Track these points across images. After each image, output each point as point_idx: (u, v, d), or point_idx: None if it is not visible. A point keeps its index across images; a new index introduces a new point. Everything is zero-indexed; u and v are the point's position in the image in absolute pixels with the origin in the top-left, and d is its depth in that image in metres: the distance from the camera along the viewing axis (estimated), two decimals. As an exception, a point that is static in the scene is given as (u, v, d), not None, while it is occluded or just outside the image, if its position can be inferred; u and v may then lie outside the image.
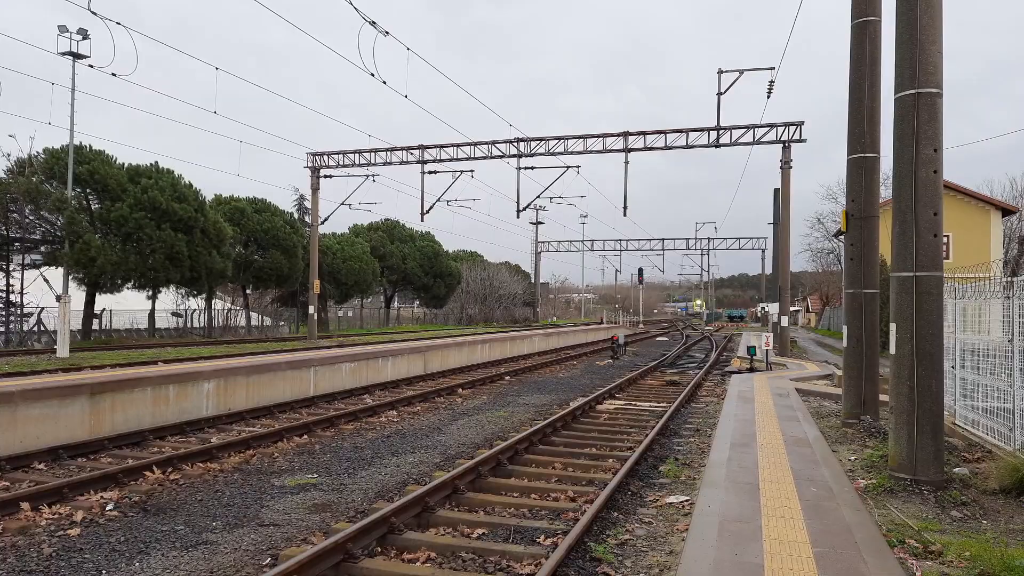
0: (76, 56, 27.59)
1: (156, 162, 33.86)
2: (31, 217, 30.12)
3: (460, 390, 17.62)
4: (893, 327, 8.07)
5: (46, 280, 31.93)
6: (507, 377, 21.11)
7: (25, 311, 31.23)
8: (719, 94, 27.68)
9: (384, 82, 22.06)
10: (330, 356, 17.10)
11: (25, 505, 7.09)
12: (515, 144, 32.02)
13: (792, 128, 28.74)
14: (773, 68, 27.00)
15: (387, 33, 19.85)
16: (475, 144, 32.63)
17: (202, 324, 39.80)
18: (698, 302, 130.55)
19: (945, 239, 33.41)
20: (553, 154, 31.77)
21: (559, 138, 31.46)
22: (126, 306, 36.50)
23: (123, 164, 32.71)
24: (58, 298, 22.79)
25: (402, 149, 33.88)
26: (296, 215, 49.68)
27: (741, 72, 27.21)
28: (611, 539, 6.33)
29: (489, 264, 77.40)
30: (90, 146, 31.73)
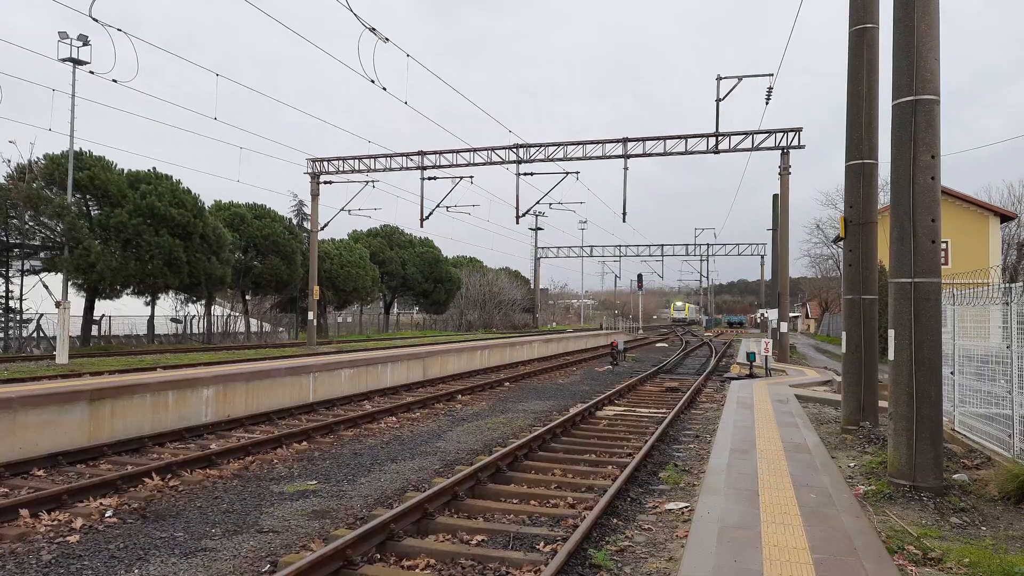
0: (76, 62, 27.69)
1: (155, 168, 33.93)
2: (31, 223, 30.15)
3: (459, 396, 17.61)
4: (892, 333, 8.08)
5: (45, 286, 31.93)
6: (506, 383, 21.10)
7: (24, 317, 31.21)
8: (718, 100, 27.75)
9: (384, 88, 22.12)
10: (329, 362, 17.09)
11: (24, 512, 7.08)
12: (514, 150, 32.09)
13: (791, 134, 28.80)
14: (771, 75, 27.09)
15: (387, 39, 19.92)
16: (475, 150, 32.70)
17: (201, 330, 39.77)
18: (678, 303, 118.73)
19: (944, 245, 33.42)
20: (552, 160, 31.84)
21: (558, 144, 31.53)
22: (125, 312, 36.48)
23: (123, 170, 32.77)
24: (57, 304, 22.79)
25: (402, 155, 33.94)
26: (295, 221, 49.71)
27: (740, 79, 27.28)
28: (610, 546, 6.33)
29: (488, 270, 77.53)
30: (90, 152, 31.79)
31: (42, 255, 31.31)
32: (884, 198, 26.21)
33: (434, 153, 33.30)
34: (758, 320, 77.33)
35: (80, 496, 7.76)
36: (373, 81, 21.00)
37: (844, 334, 12.29)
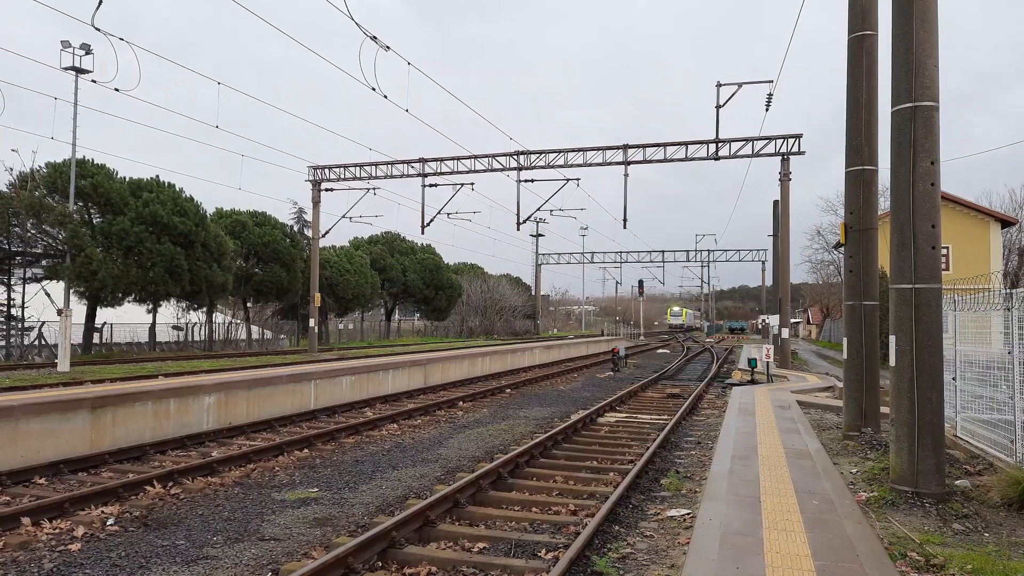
0: (79, 71, 27.77)
1: (157, 176, 34.02)
2: (33, 231, 30.19)
3: (461, 403, 17.60)
4: (893, 339, 8.08)
5: (47, 294, 31.96)
6: (508, 390, 21.08)
7: (26, 325, 31.24)
8: (718, 107, 27.79)
9: (385, 96, 22.20)
10: (331, 369, 17.10)
11: (26, 520, 7.08)
12: (515, 157, 32.14)
13: (791, 140, 28.85)
14: (771, 81, 27.16)
15: (388, 48, 19.99)
16: (475, 157, 32.76)
17: (203, 337, 39.78)
18: (675, 308, 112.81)
19: (944, 251, 33.29)
20: (553, 167, 31.89)
21: (559, 151, 31.60)
22: (127, 320, 36.50)
23: (125, 178, 32.84)
24: (59, 312, 22.81)
25: (403, 162, 34.01)
26: (296, 228, 49.78)
27: (740, 85, 27.34)
28: (612, 553, 6.32)
29: (490, 276, 77.46)
30: (92, 160, 31.85)
31: (44, 263, 31.34)
32: (884, 204, 26.24)
33: (435, 160, 33.36)
34: (759, 326, 77.25)
35: (82, 504, 7.77)
36: (374, 89, 21.09)
37: (845, 340, 12.28)
